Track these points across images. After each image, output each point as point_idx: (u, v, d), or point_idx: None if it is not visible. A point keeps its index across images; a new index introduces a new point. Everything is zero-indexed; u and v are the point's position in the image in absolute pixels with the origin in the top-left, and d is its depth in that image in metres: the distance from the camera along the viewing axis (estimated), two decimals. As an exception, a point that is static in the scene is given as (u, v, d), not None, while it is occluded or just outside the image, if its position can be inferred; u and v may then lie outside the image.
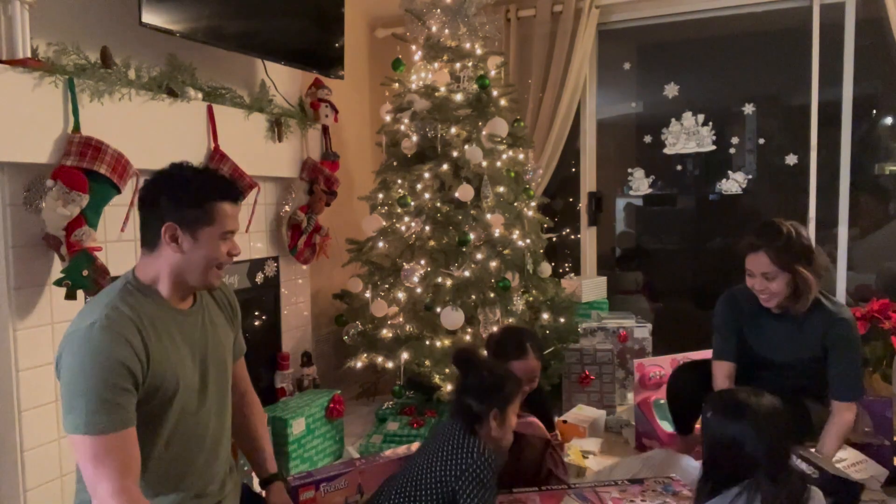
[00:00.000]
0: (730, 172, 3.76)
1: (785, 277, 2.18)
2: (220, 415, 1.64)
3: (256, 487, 1.86)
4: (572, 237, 4.09)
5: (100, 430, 1.33)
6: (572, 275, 4.00)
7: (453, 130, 3.21)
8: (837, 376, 2.22)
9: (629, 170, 3.98)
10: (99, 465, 1.33)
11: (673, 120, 3.82)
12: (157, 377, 1.44)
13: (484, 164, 3.16)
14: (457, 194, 3.10)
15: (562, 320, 3.38)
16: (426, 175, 3.19)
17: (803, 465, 1.98)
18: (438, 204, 3.20)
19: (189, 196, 1.49)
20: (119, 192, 2.16)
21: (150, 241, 1.51)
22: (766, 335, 2.34)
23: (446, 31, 3.32)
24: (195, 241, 1.49)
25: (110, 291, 1.49)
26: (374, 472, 2.13)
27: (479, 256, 3.12)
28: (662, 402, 2.75)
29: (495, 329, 2.52)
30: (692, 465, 2.34)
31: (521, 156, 3.47)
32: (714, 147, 3.77)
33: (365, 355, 3.22)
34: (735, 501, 1.58)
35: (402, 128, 3.29)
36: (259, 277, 3.09)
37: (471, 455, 1.73)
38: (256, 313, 3.16)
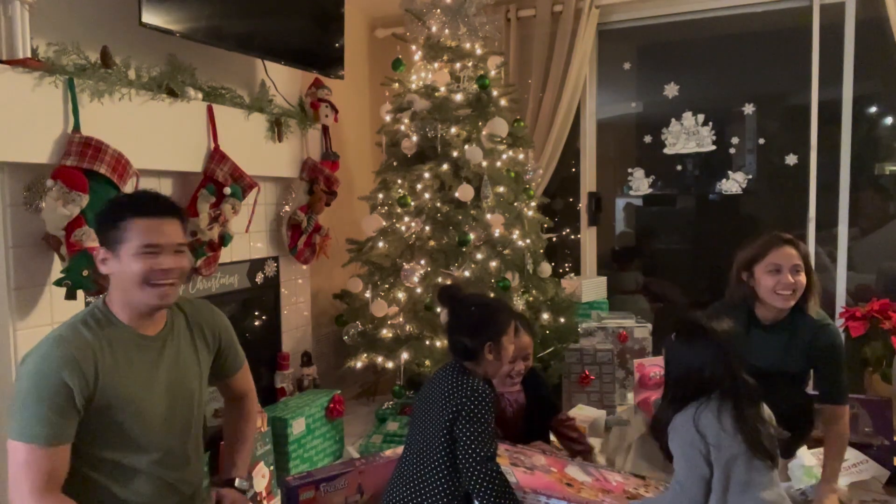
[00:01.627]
0: (730, 172, 3.76)
1: (803, 276, 2.21)
2: (183, 438, 1.67)
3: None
4: (572, 237, 4.09)
5: (31, 439, 1.41)
6: (572, 275, 4.00)
7: (453, 130, 3.21)
8: (828, 382, 2.24)
9: (629, 170, 3.98)
10: (24, 472, 1.41)
11: (673, 120, 3.82)
12: (106, 398, 1.49)
13: (484, 164, 3.16)
14: (457, 194, 3.10)
15: (562, 320, 3.38)
16: (426, 175, 3.19)
17: None
18: (438, 204, 3.20)
19: (105, 217, 1.56)
20: (119, 192, 2.16)
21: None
22: (756, 347, 2.33)
23: (446, 31, 3.32)
24: (118, 259, 1.54)
25: (80, 313, 1.59)
26: (374, 472, 2.13)
27: (479, 256, 3.12)
28: (662, 402, 2.75)
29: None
30: None
31: (521, 156, 3.47)
32: (714, 147, 3.77)
33: (365, 355, 3.22)
34: (700, 411, 1.68)
35: (402, 128, 3.29)
36: (259, 277, 3.09)
37: (464, 393, 1.71)
38: (256, 313, 3.16)
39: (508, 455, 2.01)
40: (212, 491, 1.77)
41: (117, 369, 1.52)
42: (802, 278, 2.22)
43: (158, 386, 1.60)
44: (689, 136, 3.81)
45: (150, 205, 1.58)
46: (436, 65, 3.36)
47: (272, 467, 2.52)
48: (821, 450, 2.26)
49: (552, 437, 2.38)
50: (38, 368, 1.44)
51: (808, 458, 2.28)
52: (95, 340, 1.50)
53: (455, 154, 3.17)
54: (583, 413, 2.97)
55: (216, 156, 2.61)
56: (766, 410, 1.76)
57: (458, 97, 3.26)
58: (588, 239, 4.04)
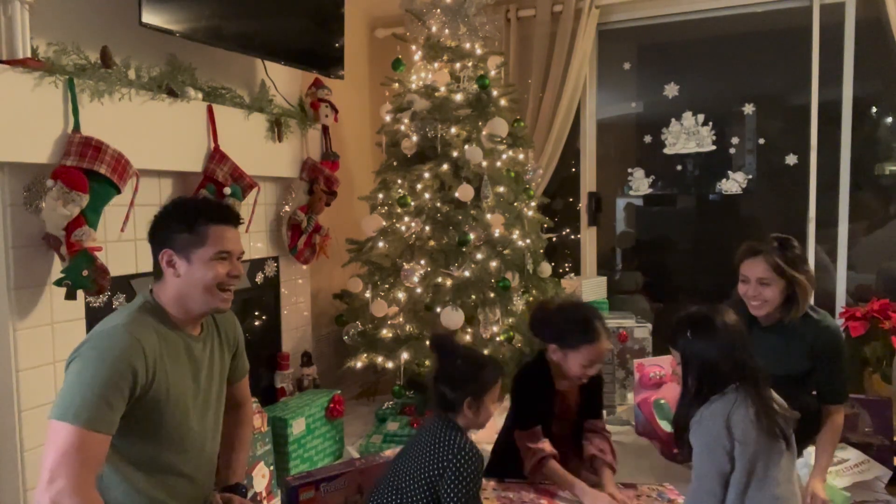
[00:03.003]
0: (730, 172, 3.76)
1: (780, 284, 2.20)
2: (214, 439, 1.72)
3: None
4: (572, 237, 4.09)
5: (84, 422, 1.36)
6: (572, 275, 3.99)
7: (453, 130, 3.21)
8: (828, 381, 2.25)
9: (629, 170, 3.98)
10: (67, 457, 1.34)
11: (673, 120, 3.82)
12: (157, 392, 1.49)
13: (484, 164, 3.16)
14: (457, 194, 3.10)
15: (562, 320, 3.37)
16: (426, 175, 3.19)
17: None
18: (438, 204, 3.20)
19: (180, 222, 1.58)
20: (119, 192, 2.16)
21: (156, 270, 1.62)
22: (757, 348, 2.33)
23: (446, 31, 3.32)
24: (189, 263, 1.56)
25: (130, 306, 1.58)
26: (374, 472, 2.12)
27: (479, 256, 3.12)
28: (663, 401, 2.75)
29: (549, 307, 2.32)
30: None
31: (521, 156, 3.47)
32: (714, 147, 3.77)
33: (365, 355, 3.22)
34: (734, 406, 1.69)
35: (402, 128, 3.29)
36: (259, 277, 3.09)
37: (451, 450, 1.69)
38: (256, 313, 3.16)
39: (496, 495, 2.04)
40: (216, 496, 1.77)
41: (169, 365, 1.53)
42: (768, 292, 2.21)
43: (198, 386, 1.63)
44: (689, 136, 3.81)
45: (224, 212, 1.63)
46: (436, 65, 3.36)
47: (272, 467, 2.52)
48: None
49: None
50: (106, 351, 1.42)
51: (813, 458, 2.29)
52: (153, 332, 1.52)
53: (455, 154, 3.17)
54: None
55: (216, 156, 2.61)
56: (774, 394, 1.79)
57: (458, 97, 3.26)
58: (588, 239, 4.04)
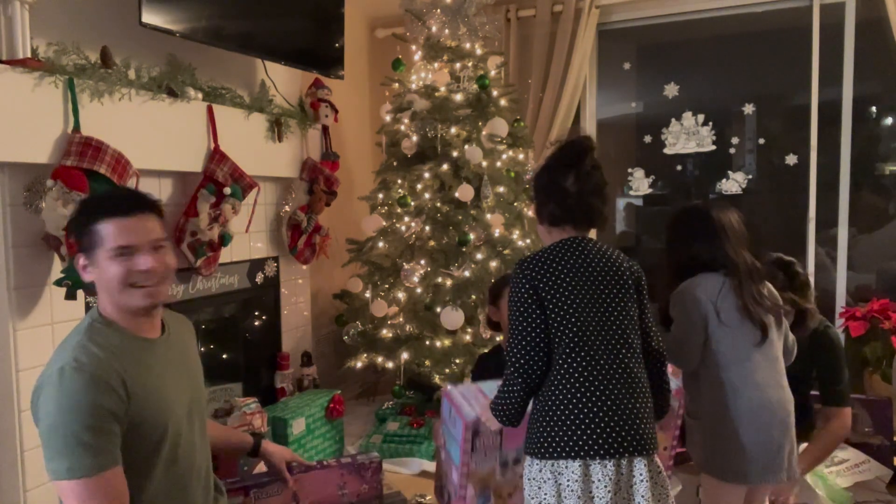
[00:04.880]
0: (730, 172, 3.76)
1: (791, 312, 2.15)
2: (203, 439, 1.65)
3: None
4: (572, 237, 4.08)
5: (83, 473, 1.32)
6: (572, 275, 3.99)
7: (453, 130, 3.21)
8: (828, 384, 2.26)
9: (629, 170, 3.98)
10: None
11: (673, 120, 3.82)
12: (140, 408, 1.42)
13: (484, 164, 3.16)
14: (457, 194, 3.10)
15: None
16: (426, 175, 3.19)
17: None
18: (438, 204, 3.21)
19: (79, 224, 1.48)
20: (119, 192, 2.16)
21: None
22: None
23: (446, 31, 3.32)
24: (95, 265, 1.46)
25: (77, 331, 1.47)
26: (311, 480, 2.06)
27: (479, 256, 3.12)
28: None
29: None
30: None
31: (521, 156, 3.47)
32: (714, 147, 3.77)
33: (365, 355, 3.22)
34: (705, 276, 1.81)
35: (402, 128, 3.29)
36: (259, 277, 3.09)
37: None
38: (256, 313, 3.16)
39: None
40: (255, 462, 1.77)
41: (140, 377, 1.44)
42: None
43: (177, 385, 1.55)
44: (689, 136, 3.81)
45: (119, 203, 1.48)
46: (436, 65, 3.36)
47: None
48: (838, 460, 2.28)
49: None
50: (64, 402, 1.34)
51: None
52: (108, 355, 1.41)
53: (455, 154, 3.17)
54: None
55: (216, 156, 2.61)
56: (770, 288, 1.87)
57: (458, 97, 3.26)
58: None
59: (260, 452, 1.96)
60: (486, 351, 2.76)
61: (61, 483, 1.33)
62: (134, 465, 1.42)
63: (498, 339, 2.71)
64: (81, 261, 1.48)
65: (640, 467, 1.42)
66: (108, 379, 1.37)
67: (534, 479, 1.46)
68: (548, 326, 1.46)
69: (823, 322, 2.31)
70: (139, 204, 1.49)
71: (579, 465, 1.40)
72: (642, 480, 1.42)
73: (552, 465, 1.43)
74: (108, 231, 1.44)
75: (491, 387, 1.92)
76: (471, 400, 1.88)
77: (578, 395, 1.42)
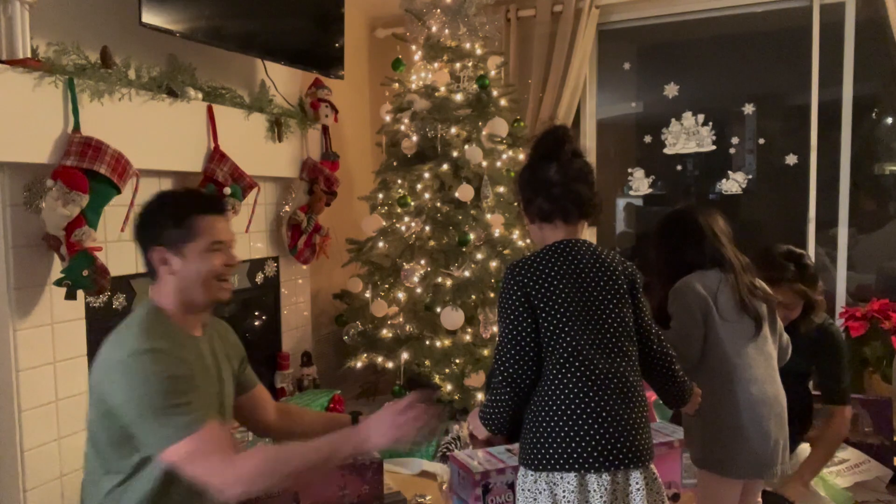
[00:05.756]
0: (730, 172, 3.76)
1: (801, 303, 2.20)
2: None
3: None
4: (572, 237, 4.08)
5: (186, 432, 1.37)
6: (572, 275, 3.99)
7: (453, 130, 3.21)
8: (829, 381, 2.28)
9: (629, 170, 3.98)
10: (200, 462, 1.37)
11: (673, 120, 3.82)
12: (202, 385, 1.49)
13: (484, 164, 3.16)
14: (457, 194, 3.10)
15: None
16: (426, 175, 3.19)
17: None
18: (438, 204, 3.21)
19: (168, 217, 1.53)
20: (119, 192, 2.16)
21: (150, 271, 1.56)
22: None
23: (446, 31, 3.32)
24: (184, 258, 1.52)
25: (135, 322, 1.51)
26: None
27: (479, 256, 3.12)
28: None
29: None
30: None
31: (521, 156, 3.47)
32: (714, 147, 3.76)
33: (365, 355, 3.22)
34: (720, 281, 1.82)
35: (402, 128, 3.29)
36: (259, 277, 3.09)
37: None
38: (256, 313, 3.16)
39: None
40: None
41: (195, 368, 1.51)
42: (792, 313, 2.21)
43: (213, 386, 1.60)
44: (689, 136, 3.81)
45: (213, 201, 1.60)
46: (436, 65, 3.36)
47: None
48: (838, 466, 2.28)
49: None
50: (143, 379, 1.39)
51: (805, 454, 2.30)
52: (168, 343, 1.48)
53: (455, 154, 3.17)
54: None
55: (216, 156, 2.61)
56: (760, 282, 1.90)
57: (458, 97, 3.26)
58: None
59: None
60: None
61: (171, 448, 1.37)
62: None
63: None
64: (161, 254, 1.52)
65: (636, 476, 1.41)
66: (175, 352, 1.45)
67: (528, 490, 1.44)
68: (539, 334, 1.43)
69: (828, 319, 2.33)
70: (223, 205, 1.64)
71: (575, 477, 1.39)
72: (638, 490, 1.41)
73: (547, 477, 1.41)
74: (208, 226, 1.53)
75: (499, 449, 1.93)
76: (477, 458, 1.89)
77: (573, 405, 1.40)
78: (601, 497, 1.38)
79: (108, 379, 1.42)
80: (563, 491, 1.39)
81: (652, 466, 1.47)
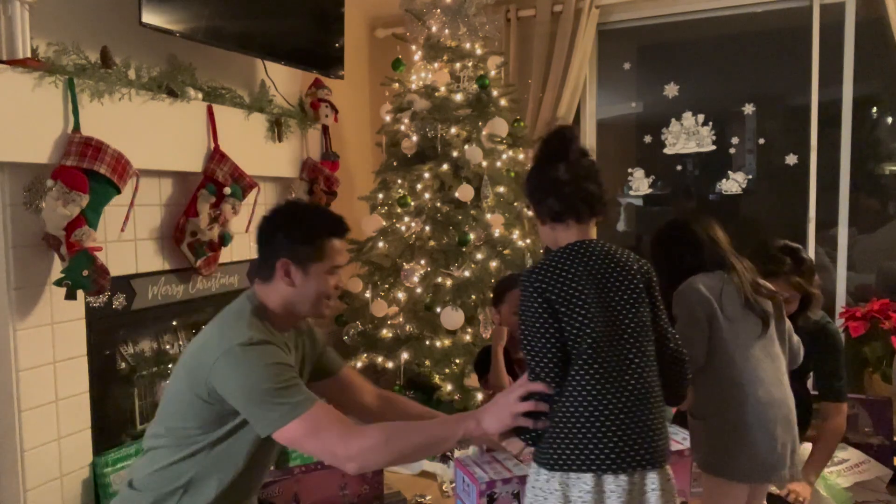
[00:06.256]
0: (730, 172, 3.76)
1: (798, 297, 2.20)
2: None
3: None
4: (572, 237, 4.08)
5: (301, 410, 1.42)
6: (572, 275, 3.99)
7: (453, 130, 3.21)
8: (828, 380, 2.29)
9: (629, 170, 3.98)
10: (320, 435, 1.42)
11: (673, 120, 3.82)
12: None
13: (484, 164, 3.16)
14: (457, 194, 3.10)
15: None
16: (426, 175, 3.19)
17: None
18: (438, 204, 3.21)
19: (302, 233, 1.59)
20: (119, 192, 2.16)
21: (265, 273, 1.61)
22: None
23: (446, 31, 3.32)
24: (306, 275, 1.57)
25: (237, 314, 1.57)
26: (312, 481, 2.09)
27: (479, 256, 3.12)
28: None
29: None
30: None
31: (521, 156, 3.47)
32: (714, 147, 3.76)
33: (365, 355, 3.22)
34: (724, 281, 1.82)
35: (402, 128, 3.29)
36: (259, 277, 3.09)
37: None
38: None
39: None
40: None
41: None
42: (790, 307, 2.19)
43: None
44: (689, 136, 3.81)
45: (343, 227, 1.64)
46: (436, 65, 3.36)
47: (272, 467, 2.51)
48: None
49: None
50: (252, 365, 1.44)
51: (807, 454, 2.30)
52: (271, 337, 1.55)
53: (455, 154, 3.17)
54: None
55: (216, 156, 2.61)
56: (764, 282, 1.89)
57: (458, 97, 3.26)
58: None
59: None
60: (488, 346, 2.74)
61: (288, 428, 1.42)
62: (228, 453, 1.53)
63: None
64: (286, 266, 1.57)
65: (652, 477, 1.41)
66: (280, 346, 1.53)
67: (540, 488, 1.43)
68: (563, 338, 1.42)
69: (825, 317, 2.33)
70: (347, 229, 1.68)
71: (592, 478, 1.38)
72: (654, 490, 1.40)
73: (562, 477, 1.40)
74: (336, 249, 1.61)
75: (506, 455, 1.92)
76: (483, 465, 1.88)
77: (591, 407, 1.39)
78: (618, 498, 1.38)
79: (217, 365, 1.46)
80: (579, 492, 1.39)
81: (668, 468, 1.47)
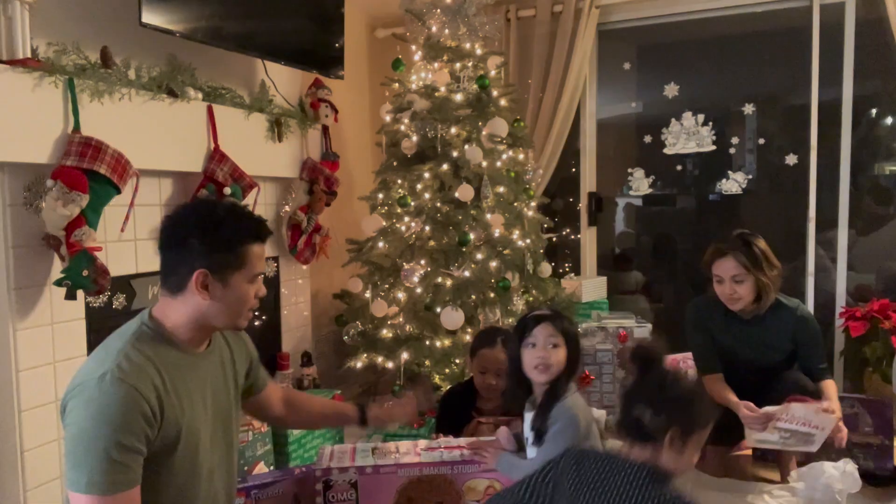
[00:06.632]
0: (730, 172, 3.76)
1: (751, 280, 2.37)
2: (229, 464, 1.60)
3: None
4: (572, 237, 4.09)
5: (102, 491, 1.28)
6: (572, 275, 3.99)
7: (453, 130, 3.21)
8: (812, 362, 2.44)
9: (629, 170, 3.98)
10: None
11: (673, 120, 3.82)
12: (169, 427, 1.38)
13: (484, 164, 3.16)
14: (457, 194, 3.09)
15: (562, 320, 3.37)
16: (426, 175, 3.19)
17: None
18: (438, 204, 3.20)
19: (220, 239, 1.42)
20: (119, 192, 2.16)
21: (174, 284, 1.44)
22: (738, 339, 2.51)
23: (446, 31, 3.32)
24: (225, 286, 1.43)
25: (123, 335, 1.41)
26: (313, 481, 2.08)
27: (479, 256, 3.12)
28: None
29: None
30: None
31: (521, 156, 3.47)
32: (714, 147, 3.76)
33: (365, 355, 3.22)
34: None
35: (402, 128, 3.29)
36: (259, 277, 3.08)
37: None
38: (256, 313, 3.15)
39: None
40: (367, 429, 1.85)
41: (176, 395, 1.40)
42: (742, 289, 2.39)
43: (206, 403, 1.51)
44: (689, 136, 3.80)
45: (263, 230, 1.49)
46: (436, 65, 3.36)
47: (272, 467, 2.52)
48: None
49: None
50: (97, 413, 1.28)
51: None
52: (151, 367, 1.37)
53: (455, 154, 3.17)
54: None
55: (216, 156, 2.61)
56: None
57: (458, 97, 3.26)
58: (588, 239, 4.04)
59: (368, 420, 1.88)
60: (445, 393, 2.77)
61: (77, 496, 1.29)
62: (152, 479, 1.38)
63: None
64: (205, 278, 1.41)
65: None
66: (145, 393, 1.33)
67: None
68: None
69: (801, 306, 2.48)
70: (269, 233, 1.53)
71: None
72: None
73: None
74: (257, 255, 1.46)
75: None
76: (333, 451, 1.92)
77: None
78: None
79: (74, 400, 1.33)
80: None
81: None
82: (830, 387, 2.39)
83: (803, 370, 2.44)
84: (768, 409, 2.29)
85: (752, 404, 2.34)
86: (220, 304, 1.44)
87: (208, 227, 1.43)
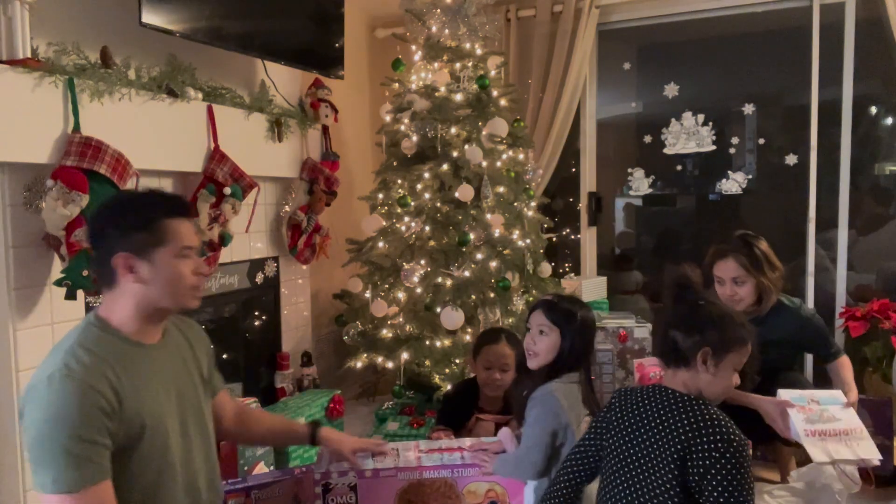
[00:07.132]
0: (730, 172, 3.76)
1: (752, 281, 2.37)
2: (207, 456, 1.59)
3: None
4: (572, 237, 4.09)
5: (69, 487, 1.26)
6: (572, 275, 3.99)
7: (453, 130, 3.21)
8: (824, 351, 2.47)
9: (629, 170, 3.98)
10: None
11: (673, 120, 3.81)
12: (131, 419, 1.37)
13: (484, 164, 3.16)
14: (457, 194, 3.09)
15: (562, 320, 3.37)
16: (426, 175, 3.19)
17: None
18: (438, 204, 3.20)
19: (133, 219, 1.41)
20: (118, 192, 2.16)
21: (107, 278, 1.43)
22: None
23: (446, 31, 3.32)
24: (153, 265, 1.41)
25: (70, 336, 1.41)
26: (312, 481, 2.07)
27: (479, 256, 3.12)
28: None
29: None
30: None
31: (521, 156, 3.47)
32: (714, 147, 3.76)
33: (365, 355, 3.22)
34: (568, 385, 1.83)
35: (402, 128, 3.29)
36: (259, 277, 3.09)
37: (703, 425, 1.35)
38: (256, 313, 3.16)
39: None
40: (322, 451, 1.84)
41: (132, 387, 1.38)
42: (743, 290, 2.39)
43: (170, 394, 1.49)
44: (689, 136, 3.80)
45: (181, 204, 1.49)
46: (436, 65, 3.36)
47: (272, 467, 2.52)
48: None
49: None
50: (51, 411, 1.28)
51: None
52: (101, 362, 1.35)
53: (455, 154, 3.17)
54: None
55: (216, 156, 2.61)
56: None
57: (458, 97, 3.26)
58: (588, 239, 4.04)
59: (318, 440, 1.87)
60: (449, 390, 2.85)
61: (46, 497, 1.27)
62: (122, 474, 1.36)
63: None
64: (127, 260, 1.40)
65: None
66: (98, 387, 1.31)
67: None
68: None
69: (804, 306, 2.49)
70: (189, 208, 1.51)
71: None
72: None
73: None
74: (178, 230, 1.43)
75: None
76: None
77: None
78: None
79: (27, 405, 1.32)
80: None
81: None
82: (845, 365, 2.42)
83: (817, 358, 2.50)
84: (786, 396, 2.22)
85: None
86: (155, 285, 1.42)
87: (118, 211, 1.45)
